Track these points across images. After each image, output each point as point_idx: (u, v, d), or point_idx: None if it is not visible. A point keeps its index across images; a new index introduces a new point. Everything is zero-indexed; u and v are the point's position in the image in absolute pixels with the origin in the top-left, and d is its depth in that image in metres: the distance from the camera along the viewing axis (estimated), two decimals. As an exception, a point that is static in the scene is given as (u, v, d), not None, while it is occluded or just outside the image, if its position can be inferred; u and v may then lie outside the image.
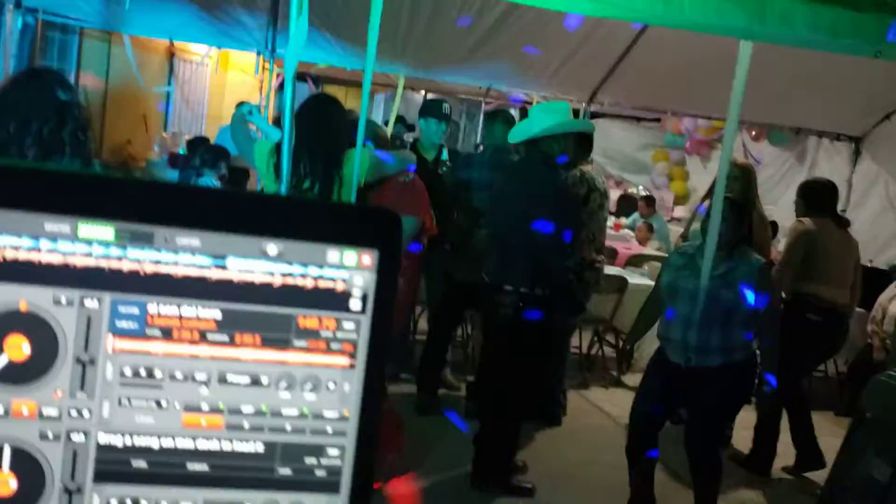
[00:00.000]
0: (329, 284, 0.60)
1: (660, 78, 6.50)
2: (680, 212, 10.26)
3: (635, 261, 6.97)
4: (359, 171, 3.26)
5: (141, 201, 0.55)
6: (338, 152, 3.24)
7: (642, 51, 6.23)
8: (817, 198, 4.56)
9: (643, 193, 9.93)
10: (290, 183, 2.81)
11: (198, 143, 7.04)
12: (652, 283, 6.07)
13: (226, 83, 10.18)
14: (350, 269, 0.60)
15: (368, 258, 0.60)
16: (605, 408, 5.34)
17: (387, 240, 0.59)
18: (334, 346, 0.60)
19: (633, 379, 5.40)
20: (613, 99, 7.37)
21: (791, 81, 5.84)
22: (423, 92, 11.50)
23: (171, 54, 9.12)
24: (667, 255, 4.76)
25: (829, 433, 4.68)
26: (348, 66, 7.16)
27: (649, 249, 7.80)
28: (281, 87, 9.42)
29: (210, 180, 5.74)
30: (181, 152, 8.42)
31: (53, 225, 0.54)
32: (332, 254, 0.59)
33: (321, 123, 3.13)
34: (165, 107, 9.51)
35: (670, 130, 10.16)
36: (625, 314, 5.59)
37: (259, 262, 0.58)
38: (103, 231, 0.55)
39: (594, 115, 7.86)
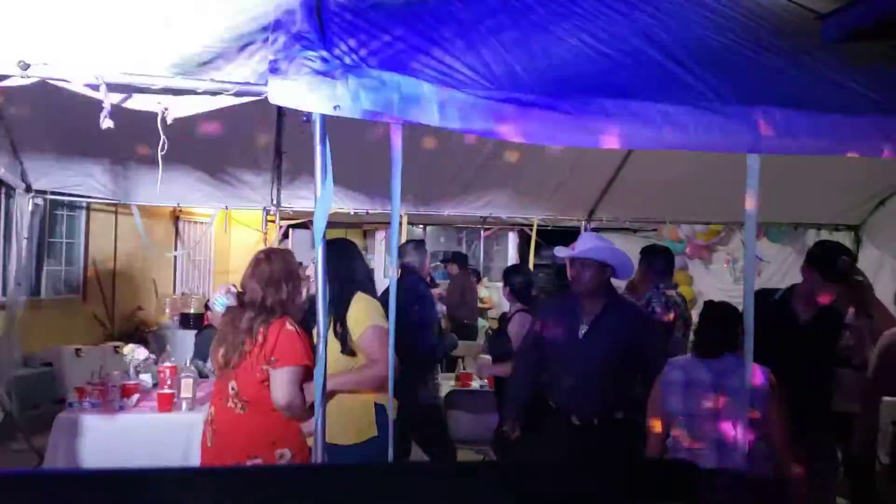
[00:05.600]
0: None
1: (654, 189, 6.68)
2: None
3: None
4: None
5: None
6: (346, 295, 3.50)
7: (634, 166, 6.43)
8: None
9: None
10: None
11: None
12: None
13: (230, 240, 10.39)
14: (659, 524, 0.60)
15: (677, 512, 0.60)
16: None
17: (691, 490, 0.60)
18: None
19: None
20: (611, 214, 7.55)
21: (784, 178, 5.99)
22: (421, 226, 11.76)
23: (175, 217, 9.34)
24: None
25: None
26: (350, 208, 7.30)
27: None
28: (284, 236, 9.64)
29: None
30: (192, 312, 8.51)
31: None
32: (645, 514, 0.60)
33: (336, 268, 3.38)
34: (173, 270, 9.65)
35: (668, 237, 10.30)
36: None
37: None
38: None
39: (594, 230, 8.01)
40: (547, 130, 2.66)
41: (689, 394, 3.49)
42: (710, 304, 3.73)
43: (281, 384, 3.23)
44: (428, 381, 5.58)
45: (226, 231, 9.64)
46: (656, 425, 3.65)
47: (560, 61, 2.98)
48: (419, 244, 5.78)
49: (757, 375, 3.40)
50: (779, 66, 3.03)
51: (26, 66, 2.26)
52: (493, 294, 12.36)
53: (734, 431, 3.38)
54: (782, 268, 8.73)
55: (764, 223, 8.01)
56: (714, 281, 9.96)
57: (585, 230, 7.41)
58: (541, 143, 2.68)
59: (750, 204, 2.82)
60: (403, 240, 7.96)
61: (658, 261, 5.41)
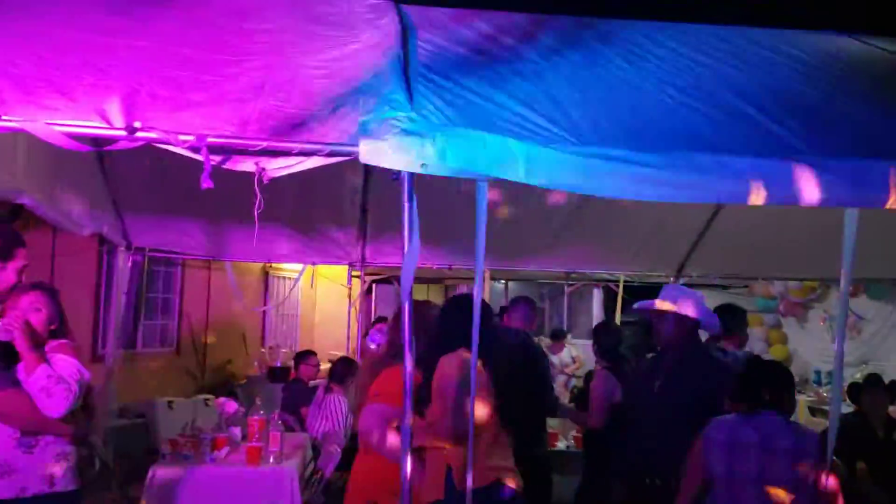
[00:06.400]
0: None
1: (745, 244, 6.51)
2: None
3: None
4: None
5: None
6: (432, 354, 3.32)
7: (725, 220, 6.29)
8: None
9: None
10: None
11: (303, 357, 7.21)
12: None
13: (316, 294, 10.59)
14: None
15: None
16: None
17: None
18: None
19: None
20: (701, 270, 7.38)
21: (885, 232, 5.74)
22: (503, 281, 11.70)
23: (265, 273, 9.59)
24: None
25: None
26: (432, 264, 7.34)
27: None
28: (368, 291, 9.77)
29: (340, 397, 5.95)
30: (280, 365, 8.66)
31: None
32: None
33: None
34: (262, 324, 9.88)
35: (760, 294, 9.99)
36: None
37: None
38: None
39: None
40: (636, 186, 2.63)
41: (732, 454, 3.34)
42: (756, 359, 3.60)
43: (366, 415, 3.21)
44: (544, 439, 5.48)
45: (312, 286, 9.85)
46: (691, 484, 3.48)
47: (647, 116, 2.96)
48: (528, 300, 5.72)
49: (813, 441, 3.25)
50: (875, 118, 2.93)
51: (133, 131, 2.39)
52: (580, 352, 12.14)
53: (779, 497, 3.22)
54: (885, 325, 8.34)
55: (864, 279, 7.69)
56: (811, 340, 9.59)
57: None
58: (629, 198, 2.65)
59: (846, 260, 2.71)
60: (487, 295, 7.96)
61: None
